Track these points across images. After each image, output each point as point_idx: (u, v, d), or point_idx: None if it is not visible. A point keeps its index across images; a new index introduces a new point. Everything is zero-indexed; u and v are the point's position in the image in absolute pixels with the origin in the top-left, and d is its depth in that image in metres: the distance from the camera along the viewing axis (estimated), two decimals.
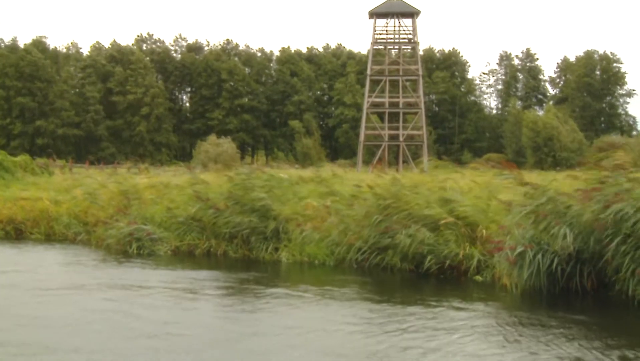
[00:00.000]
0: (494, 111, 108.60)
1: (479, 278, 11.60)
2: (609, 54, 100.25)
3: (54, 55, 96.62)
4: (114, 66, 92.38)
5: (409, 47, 67.47)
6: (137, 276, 12.20)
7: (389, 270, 12.71)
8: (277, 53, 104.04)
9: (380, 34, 65.10)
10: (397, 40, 65.91)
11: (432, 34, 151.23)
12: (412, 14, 64.28)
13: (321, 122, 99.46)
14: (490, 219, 12.26)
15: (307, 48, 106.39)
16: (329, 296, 10.43)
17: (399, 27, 64.81)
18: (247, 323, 8.54)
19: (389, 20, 64.83)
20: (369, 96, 63.87)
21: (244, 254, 14.40)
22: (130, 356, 7.02)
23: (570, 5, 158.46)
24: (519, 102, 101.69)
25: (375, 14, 64.14)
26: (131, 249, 14.82)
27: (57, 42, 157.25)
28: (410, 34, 64.62)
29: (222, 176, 16.01)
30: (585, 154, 58.60)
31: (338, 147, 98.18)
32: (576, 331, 8.23)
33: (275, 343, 7.54)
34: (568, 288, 10.32)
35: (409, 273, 12.44)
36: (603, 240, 9.53)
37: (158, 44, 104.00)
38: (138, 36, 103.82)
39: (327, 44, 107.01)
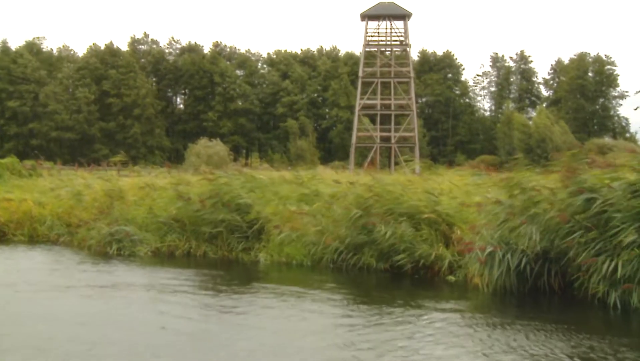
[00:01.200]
0: (488, 113, 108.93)
1: (452, 278, 11.75)
2: (602, 56, 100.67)
3: (48, 57, 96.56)
4: (107, 69, 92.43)
5: (401, 49, 67.69)
6: (114, 276, 12.29)
7: (365, 270, 12.85)
8: (269, 55, 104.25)
9: (372, 36, 65.34)
10: (388, 43, 66.11)
11: (426, 37, 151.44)
12: (404, 16, 64.53)
13: (315, 124, 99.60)
14: (464, 220, 12.43)
15: (302, 50, 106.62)
16: (304, 296, 10.54)
17: (390, 29, 65.04)
18: (223, 324, 8.61)
19: (380, 22, 65.06)
20: (361, 98, 64.06)
21: (224, 255, 14.54)
22: (105, 356, 7.08)
23: (564, 7, 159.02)
24: (513, 104, 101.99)
25: (367, 16, 64.40)
26: (111, 250, 14.94)
27: (51, 44, 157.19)
28: (401, 36, 64.88)
29: (202, 177, 16.11)
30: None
31: (332, 149, 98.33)
32: (541, 330, 8.36)
33: (251, 343, 7.63)
34: (537, 287, 10.49)
35: (384, 272, 12.59)
36: (566, 236, 9.67)
37: (153, 45, 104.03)
38: (132, 37, 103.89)
39: (321, 47, 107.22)
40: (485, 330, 8.41)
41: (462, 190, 13.50)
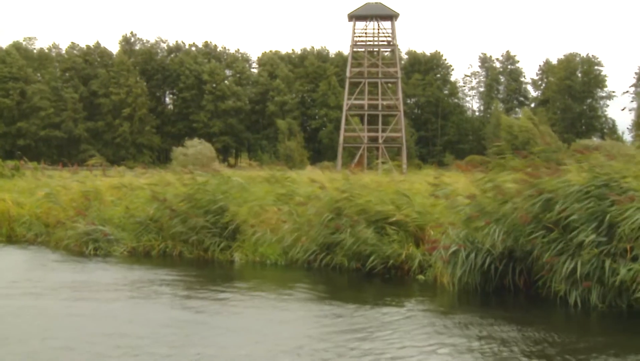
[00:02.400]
0: (477, 113, 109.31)
1: (421, 277, 11.88)
2: (590, 57, 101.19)
3: (37, 56, 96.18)
4: (96, 68, 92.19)
5: (388, 49, 67.89)
6: (88, 276, 12.38)
7: (337, 270, 12.98)
8: (260, 55, 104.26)
9: (359, 36, 65.50)
10: (376, 43, 66.30)
11: (415, 37, 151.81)
12: (391, 16, 64.71)
13: (305, 124, 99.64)
14: (435, 220, 12.55)
15: (293, 50, 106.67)
16: (274, 296, 10.64)
17: (378, 29, 65.24)
18: (196, 323, 8.64)
19: (368, 23, 65.24)
20: (349, 98, 64.23)
21: (199, 255, 14.62)
22: (79, 354, 7.13)
23: (553, 8, 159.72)
24: (501, 104, 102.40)
25: (355, 17, 64.56)
26: (88, 249, 15.00)
27: (41, 43, 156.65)
28: (389, 36, 65.07)
29: (178, 178, 16.19)
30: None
31: (322, 149, 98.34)
32: (503, 329, 8.49)
33: (224, 341, 7.71)
34: (502, 285, 10.63)
35: (356, 272, 12.72)
36: (530, 236, 9.82)
37: (141, 44, 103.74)
38: (123, 36, 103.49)
39: (312, 47, 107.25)
40: (448, 328, 8.52)
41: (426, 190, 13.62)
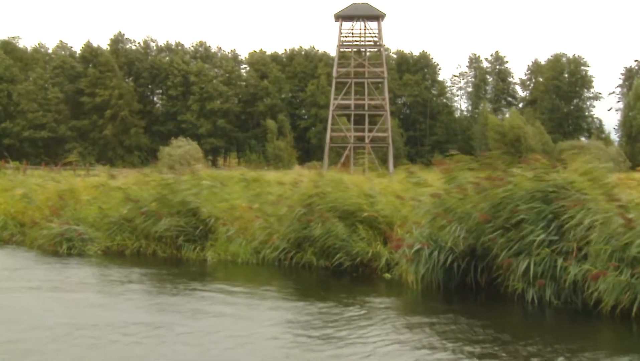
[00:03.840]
0: (465, 113, 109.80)
1: (388, 275, 12.02)
2: (577, 57, 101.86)
3: (23, 56, 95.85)
4: (85, 67, 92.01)
5: (375, 49, 68.09)
6: (59, 274, 12.46)
7: (307, 268, 13.13)
8: (246, 55, 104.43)
9: (346, 36, 65.70)
10: (362, 43, 66.51)
11: (404, 37, 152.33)
12: (378, 17, 64.93)
13: (294, 124, 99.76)
14: (403, 218, 12.71)
15: (285, 50, 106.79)
16: (242, 294, 10.74)
17: (364, 30, 65.45)
18: (165, 321, 8.69)
19: (354, 23, 65.44)
20: (335, 98, 64.41)
21: (172, 254, 14.73)
22: (47, 354, 7.18)
23: (541, 8, 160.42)
24: (489, 104, 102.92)
25: (341, 17, 64.75)
26: (62, 249, 15.05)
27: (26, 42, 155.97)
28: (375, 36, 65.27)
29: (147, 180, 16.30)
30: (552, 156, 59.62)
31: (310, 149, 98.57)
32: (463, 326, 8.64)
33: (193, 340, 7.79)
34: (465, 284, 10.80)
35: (325, 270, 12.86)
36: (490, 234, 10.00)
37: (130, 44, 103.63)
38: (113, 36, 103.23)
39: (301, 46, 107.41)
40: (408, 326, 8.66)
41: (402, 189, 13.79)
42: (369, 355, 7.34)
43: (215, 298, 10.40)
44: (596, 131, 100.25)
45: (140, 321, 8.62)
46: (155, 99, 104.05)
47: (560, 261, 9.21)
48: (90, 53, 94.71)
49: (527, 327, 8.95)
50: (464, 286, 10.77)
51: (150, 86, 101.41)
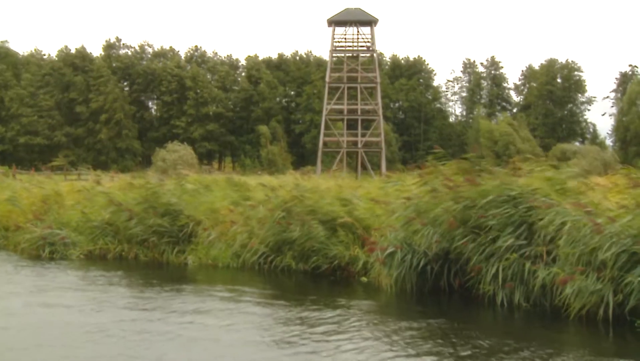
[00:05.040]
0: (460, 118, 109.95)
1: (364, 279, 12.11)
2: (570, 62, 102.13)
3: (15, 61, 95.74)
4: (76, 74, 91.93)
5: (368, 55, 68.29)
6: (41, 278, 12.53)
7: (286, 271, 13.22)
8: (241, 60, 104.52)
9: (339, 42, 65.89)
10: (355, 48, 66.72)
11: (399, 42, 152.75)
12: (370, 22, 65.18)
13: (289, 129, 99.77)
14: (381, 222, 12.80)
15: (279, 54, 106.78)
16: (220, 297, 10.82)
17: (357, 35, 65.66)
18: (144, 324, 8.79)
19: (347, 28, 65.65)
20: (328, 103, 64.58)
21: (154, 258, 14.80)
22: (24, 355, 7.28)
23: (535, 14, 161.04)
24: (484, 109, 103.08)
25: (334, 22, 64.96)
26: (44, 253, 15.11)
27: (20, 47, 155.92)
28: (368, 42, 65.48)
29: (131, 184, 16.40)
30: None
31: (305, 154, 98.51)
32: (433, 328, 8.77)
33: (173, 343, 7.87)
34: (438, 286, 10.90)
35: (303, 274, 12.96)
36: (462, 239, 10.11)
37: (124, 50, 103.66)
38: (107, 41, 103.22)
39: (297, 51, 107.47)
40: (380, 328, 8.77)
41: (381, 194, 13.89)
42: (338, 356, 7.44)
43: (194, 301, 10.47)
44: (590, 135, 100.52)
45: (117, 323, 8.71)
46: (150, 104, 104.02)
47: (528, 265, 9.32)
48: (82, 60, 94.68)
49: (495, 329, 9.06)
50: (438, 289, 10.87)
51: (145, 91, 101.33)
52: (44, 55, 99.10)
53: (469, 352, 7.65)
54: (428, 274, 10.74)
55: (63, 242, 15.26)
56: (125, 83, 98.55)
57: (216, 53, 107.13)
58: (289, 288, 12.25)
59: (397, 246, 10.75)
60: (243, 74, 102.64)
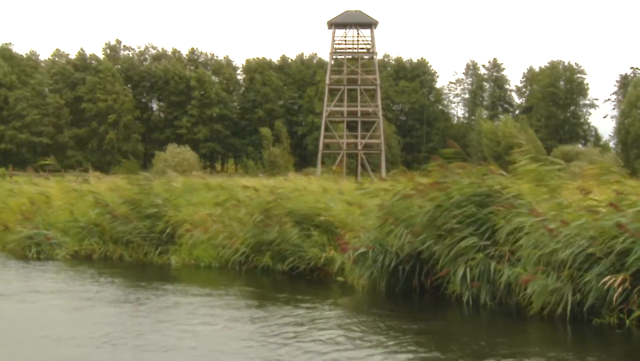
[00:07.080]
0: (462, 120, 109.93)
1: (340, 278, 12.27)
2: (573, 65, 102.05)
3: (19, 62, 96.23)
4: (83, 75, 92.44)
5: (368, 57, 68.46)
6: (24, 277, 12.75)
7: (265, 271, 13.41)
8: (242, 62, 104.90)
9: (339, 44, 66.10)
10: (355, 51, 66.91)
11: (401, 44, 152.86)
12: (370, 24, 65.39)
13: (291, 131, 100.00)
14: (358, 223, 12.97)
15: (282, 56, 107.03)
16: (201, 298, 10.94)
17: (357, 37, 65.86)
18: (128, 325, 8.89)
19: (347, 30, 65.85)
20: (328, 105, 64.78)
21: (138, 258, 15.01)
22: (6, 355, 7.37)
23: (537, 16, 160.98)
24: (485, 111, 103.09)
25: (334, 25, 65.17)
26: (31, 253, 15.34)
27: (19, 49, 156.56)
28: (368, 44, 65.66)
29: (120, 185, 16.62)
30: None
31: (307, 155, 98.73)
32: (402, 326, 8.89)
33: (155, 342, 7.98)
34: (411, 286, 11.05)
35: (282, 274, 13.15)
36: (430, 240, 10.28)
37: (127, 52, 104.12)
38: (106, 44, 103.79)
39: (302, 53, 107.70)
40: (346, 327, 8.86)
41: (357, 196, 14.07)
42: (306, 355, 7.56)
43: (175, 300, 10.66)
44: (592, 138, 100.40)
45: (96, 324, 8.84)
46: (154, 106, 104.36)
47: (493, 264, 9.48)
48: (86, 60, 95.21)
49: (461, 327, 9.26)
50: (409, 289, 11.02)
51: (149, 93, 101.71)
52: (40, 56, 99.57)
53: (431, 348, 7.77)
54: (400, 274, 10.89)
55: (49, 242, 15.48)
56: (128, 85, 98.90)
57: (214, 55, 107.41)
58: (267, 288, 12.40)
59: (370, 246, 10.91)
60: (244, 76, 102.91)
